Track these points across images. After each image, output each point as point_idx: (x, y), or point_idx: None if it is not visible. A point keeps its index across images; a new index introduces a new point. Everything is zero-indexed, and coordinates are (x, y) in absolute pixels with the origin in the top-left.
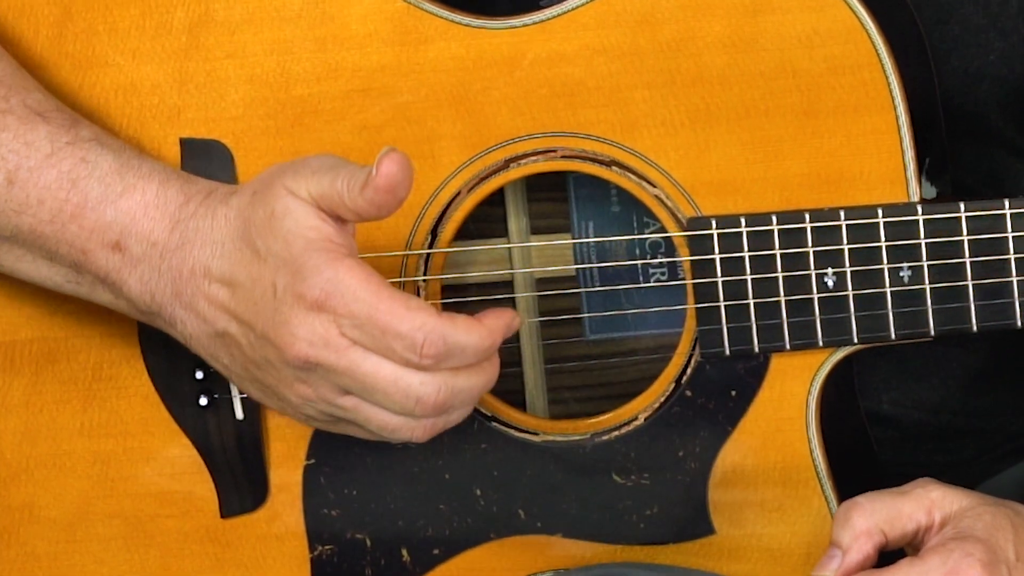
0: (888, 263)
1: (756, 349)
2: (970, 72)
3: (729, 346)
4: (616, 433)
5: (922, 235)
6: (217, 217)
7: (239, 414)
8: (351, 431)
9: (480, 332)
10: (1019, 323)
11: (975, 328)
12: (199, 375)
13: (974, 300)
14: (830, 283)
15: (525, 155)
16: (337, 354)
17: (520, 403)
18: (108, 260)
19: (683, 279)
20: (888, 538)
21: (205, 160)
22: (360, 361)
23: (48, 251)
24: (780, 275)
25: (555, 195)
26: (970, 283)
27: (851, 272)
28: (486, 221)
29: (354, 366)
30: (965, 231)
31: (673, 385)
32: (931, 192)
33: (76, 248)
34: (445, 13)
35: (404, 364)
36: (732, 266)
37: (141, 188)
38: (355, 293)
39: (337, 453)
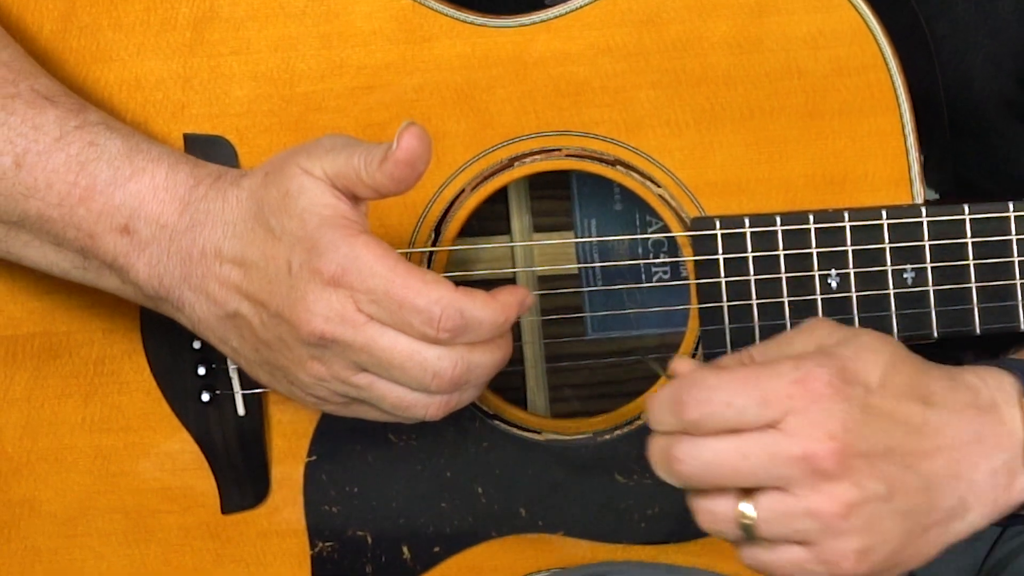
0: (892, 265)
1: None
2: (960, 70)
3: (732, 346)
4: (618, 432)
5: (926, 237)
6: (228, 199)
7: (240, 410)
8: (362, 412)
9: (495, 307)
10: (1023, 326)
11: (978, 331)
12: (201, 371)
13: (978, 303)
14: (834, 284)
15: (529, 154)
16: (354, 330)
17: (521, 401)
18: (116, 244)
19: (685, 278)
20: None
21: (209, 156)
22: (377, 336)
23: (55, 236)
24: (784, 276)
25: (558, 193)
26: (974, 285)
27: (855, 273)
28: (489, 218)
29: (371, 342)
30: (969, 233)
31: None
32: (932, 196)
33: (84, 232)
34: (450, 11)
35: (421, 338)
36: (736, 267)
37: (151, 171)
38: (372, 268)
39: (339, 450)
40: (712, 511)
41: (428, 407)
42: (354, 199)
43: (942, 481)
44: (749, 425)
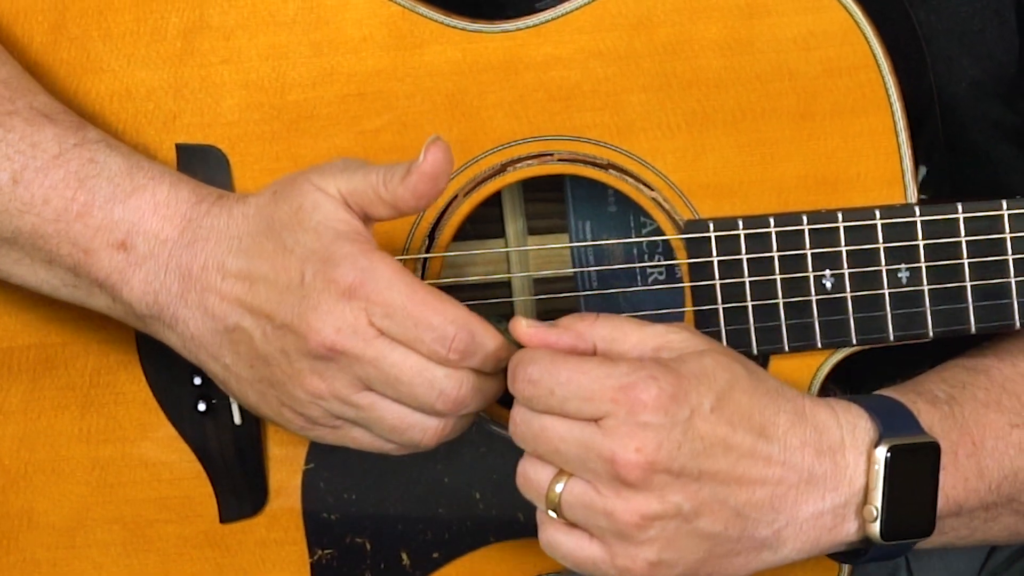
0: (886, 264)
1: (755, 351)
2: (945, 96)
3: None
4: None
5: (920, 236)
6: (234, 215)
7: (237, 419)
8: (351, 438)
9: (501, 337)
10: (1018, 323)
11: (973, 329)
12: (197, 380)
13: (972, 301)
14: (828, 285)
15: (521, 159)
16: (364, 343)
17: None
18: (111, 260)
19: (680, 280)
20: (600, 354)
21: (201, 165)
22: (387, 352)
23: (48, 252)
24: (778, 277)
25: (552, 196)
26: (968, 284)
27: (849, 274)
28: (483, 222)
29: (380, 356)
30: (963, 232)
31: None
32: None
33: (79, 247)
34: (440, 17)
35: (431, 357)
36: (730, 269)
37: (152, 188)
38: (390, 282)
39: (336, 457)
40: (527, 476)
41: (426, 430)
42: (366, 219)
43: (759, 512)
44: (571, 415)
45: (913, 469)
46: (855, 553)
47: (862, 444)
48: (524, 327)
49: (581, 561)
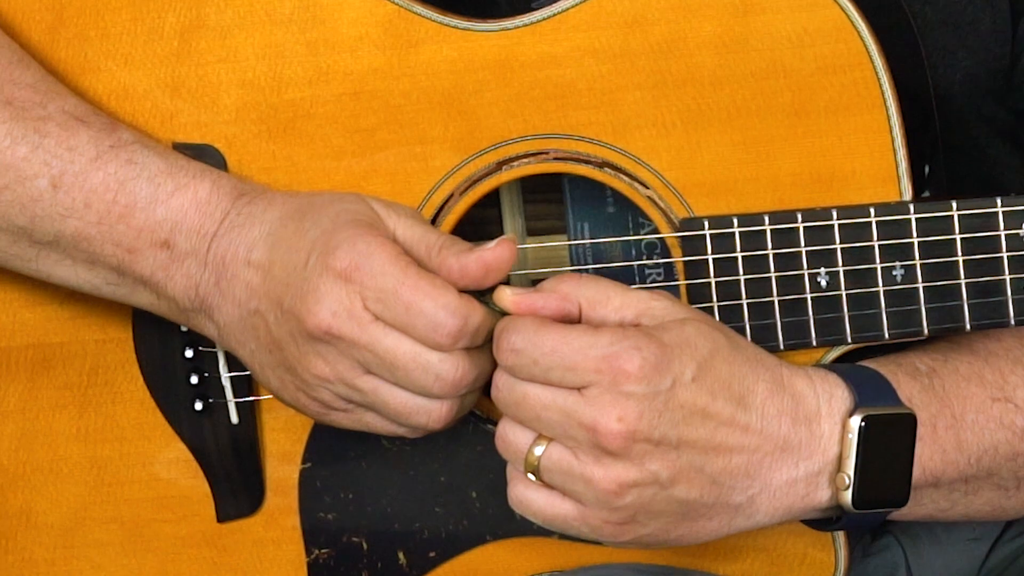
0: (881, 262)
1: None
2: (940, 89)
3: None
4: None
5: (914, 234)
6: (274, 202)
7: (234, 418)
8: (364, 422)
9: (495, 317)
10: (1013, 321)
11: (968, 327)
12: (194, 380)
13: (967, 299)
14: (823, 283)
15: (517, 157)
16: (359, 327)
17: None
18: (155, 258)
19: (678, 280)
20: (584, 316)
21: None
22: (381, 336)
23: (91, 254)
24: (773, 275)
25: (550, 196)
26: (963, 282)
27: (844, 271)
28: (482, 222)
29: (375, 341)
30: (957, 229)
31: None
32: None
33: (123, 248)
34: (436, 16)
35: (424, 342)
36: (725, 267)
37: (193, 187)
38: (383, 267)
39: (333, 456)
40: (506, 438)
41: (431, 413)
42: None
43: (734, 479)
44: (554, 384)
45: (888, 439)
46: (829, 521)
47: (837, 413)
48: (509, 296)
49: (551, 518)
